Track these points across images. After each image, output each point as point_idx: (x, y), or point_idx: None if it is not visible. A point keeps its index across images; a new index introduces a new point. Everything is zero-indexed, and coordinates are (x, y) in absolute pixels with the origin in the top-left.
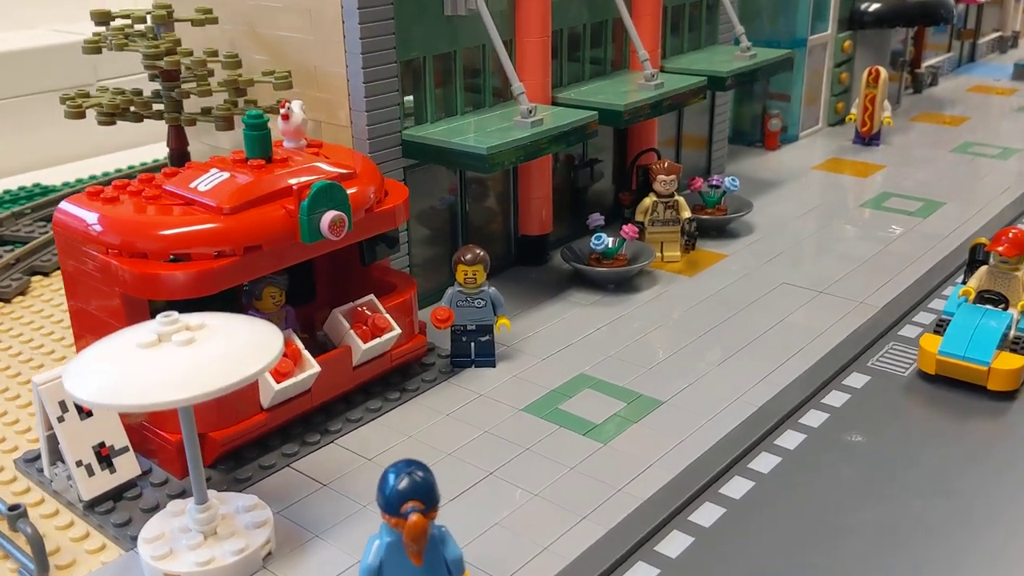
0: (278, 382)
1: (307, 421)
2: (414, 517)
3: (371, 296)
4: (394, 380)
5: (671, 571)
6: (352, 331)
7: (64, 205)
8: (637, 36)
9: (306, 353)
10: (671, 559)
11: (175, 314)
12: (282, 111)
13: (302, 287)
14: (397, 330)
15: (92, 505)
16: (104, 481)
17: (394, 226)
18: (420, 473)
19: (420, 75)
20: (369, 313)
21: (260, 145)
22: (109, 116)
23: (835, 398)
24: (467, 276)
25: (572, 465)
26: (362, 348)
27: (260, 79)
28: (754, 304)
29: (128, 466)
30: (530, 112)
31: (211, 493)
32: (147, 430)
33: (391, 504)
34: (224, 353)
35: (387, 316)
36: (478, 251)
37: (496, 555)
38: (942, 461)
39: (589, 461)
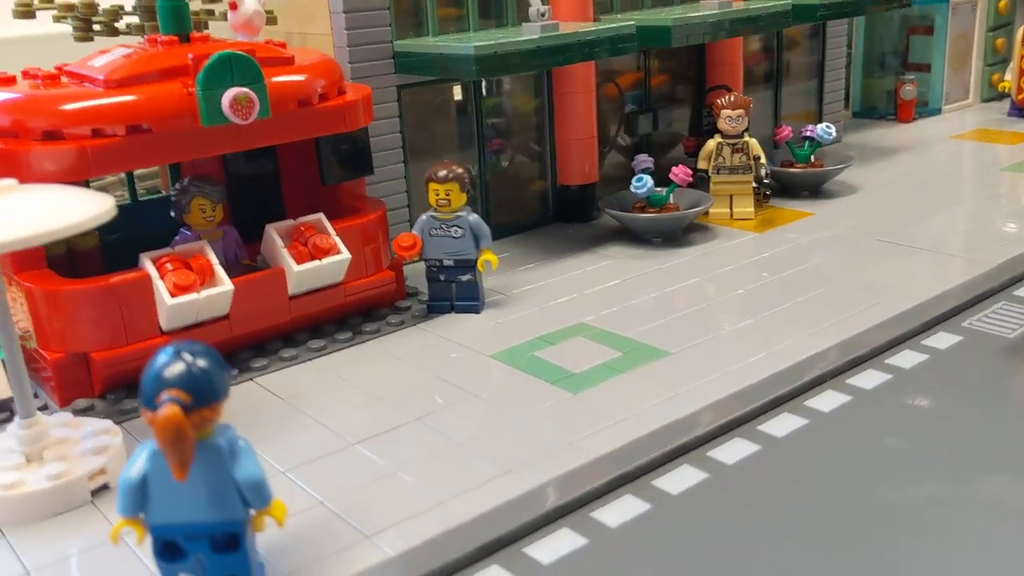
0: (173, 296)
1: (231, 357)
2: (166, 409)
3: (319, 215)
4: (353, 322)
5: (602, 543)
6: (285, 250)
7: None
8: None
9: (219, 269)
10: (609, 528)
11: None
12: None
13: (268, 211)
14: (345, 255)
15: None
16: None
17: (347, 128)
18: (199, 360)
19: None
20: (312, 233)
21: (174, 19)
22: (84, 30)
23: (905, 359)
24: (439, 197)
25: (523, 415)
26: (295, 270)
27: None
28: (830, 257)
29: None
30: (542, 14)
31: (63, 416)
32: (36, 351)
33: (147, 392)
34: (20, 210)
35: (335, 237)
36: (455, 167)
37: (375, 505)
38: None
39: (546, 410)
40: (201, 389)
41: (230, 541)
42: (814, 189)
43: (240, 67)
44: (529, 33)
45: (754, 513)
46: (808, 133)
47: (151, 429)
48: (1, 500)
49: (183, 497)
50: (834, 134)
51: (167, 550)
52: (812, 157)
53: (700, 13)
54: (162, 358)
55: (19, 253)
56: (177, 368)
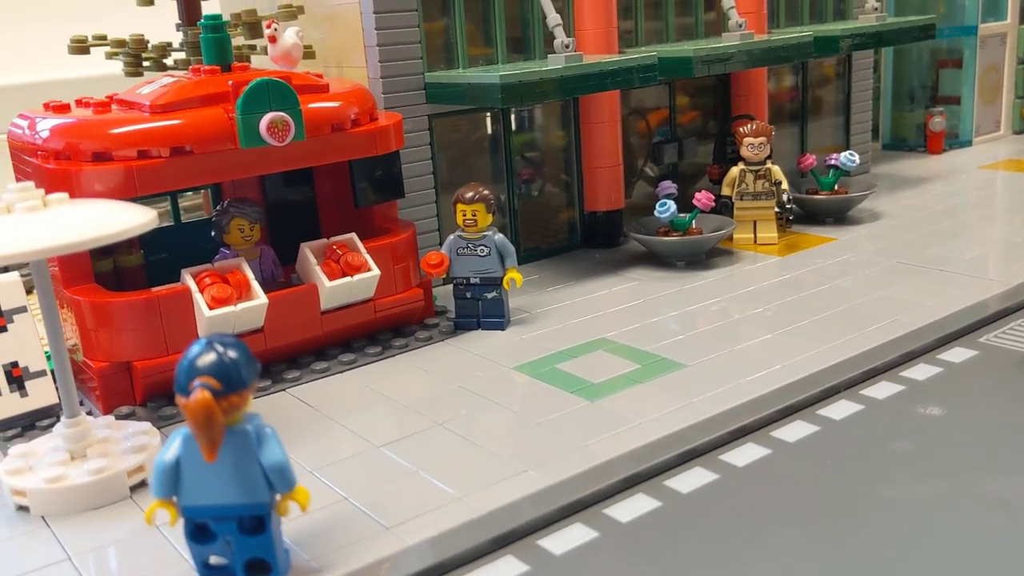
0: (211, 308)
1: (265, 368)
2: (198, 393)
3: (351, 234)
4: (383, 337)
5: (613, 536)
6: (318, 267)
7: (17, 119)
8: None
9: (255, 284)
10: (620, 523)
11: (31, 184)
12: (267, 32)
13: (306, 235)
14: (375, 272)
15: None
16: (12, 404)
17: (378, 151)
18: (230, 351)
19: (450, 14)
20: (344, 251)
21: (216, 50)
22: (134, 66)
23: (920, 371)
24: (466, 217)
25: (541, 421)
26: (327, 286)
27: (265, 15)
28: (850, 278)
29: (43, 393)
30: (566, 46)
31: (106, 419)
32: (84, 363)
33: (181, 380)
34: (69, 219)
35: (365, 255)
36: (482, 189)
37: (397, 500)
38: None
39: (564, 416)
40: (230, 377)
41: (256, 524)
42: (838, 216)
43: (277, 93)
44: (554, 63)
45: (761, 510)
46: (832, 161)
47: (184, 413)
48: (46, 492)
49: (213, 480)
50: (857, 161)
51: (198, 532)
52: (837, 185)
53: (721, 44)
54: (195, 349)
55: (69, 268)
56: (209, 358)
